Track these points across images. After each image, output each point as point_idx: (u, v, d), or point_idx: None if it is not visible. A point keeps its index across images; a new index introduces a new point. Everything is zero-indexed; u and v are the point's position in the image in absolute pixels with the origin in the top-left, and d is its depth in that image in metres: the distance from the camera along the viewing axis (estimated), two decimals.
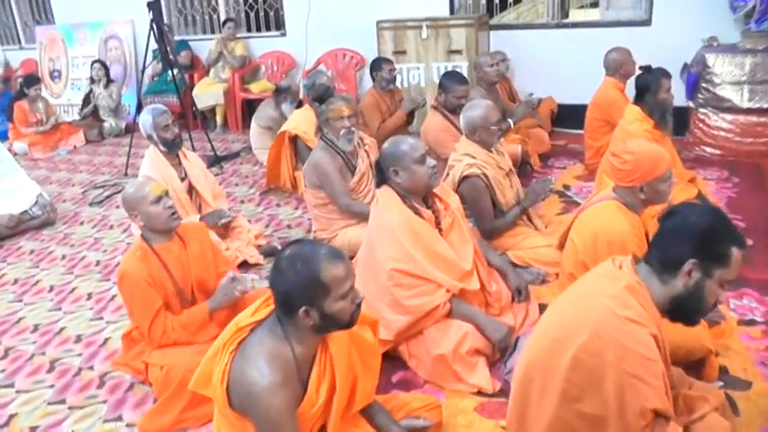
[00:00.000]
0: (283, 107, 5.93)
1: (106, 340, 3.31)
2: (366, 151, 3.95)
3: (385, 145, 2.85)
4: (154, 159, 3.86)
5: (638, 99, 4.15)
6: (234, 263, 3.57)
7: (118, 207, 5.35)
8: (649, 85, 4.09)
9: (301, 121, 4.93)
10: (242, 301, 2.75)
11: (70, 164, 6.98)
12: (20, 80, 7.90)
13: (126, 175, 6.23)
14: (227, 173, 6.02)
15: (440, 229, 2.89)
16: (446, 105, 4.53)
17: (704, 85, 5.54)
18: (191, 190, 3.97)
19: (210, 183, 4.08)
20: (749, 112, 5.39)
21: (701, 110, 5.59)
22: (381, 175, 2.86)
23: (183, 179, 3.93)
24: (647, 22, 6.04)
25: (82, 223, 5.07)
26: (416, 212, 2.82)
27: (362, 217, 3.75)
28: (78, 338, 3.35)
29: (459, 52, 6.14)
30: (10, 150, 7.29)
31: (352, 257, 3.86)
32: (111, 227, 4.92)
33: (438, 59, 6.21)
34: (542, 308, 3.15)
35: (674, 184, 2.81)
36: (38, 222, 4.99)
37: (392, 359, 2.82)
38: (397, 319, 2.73)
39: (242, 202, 5.20)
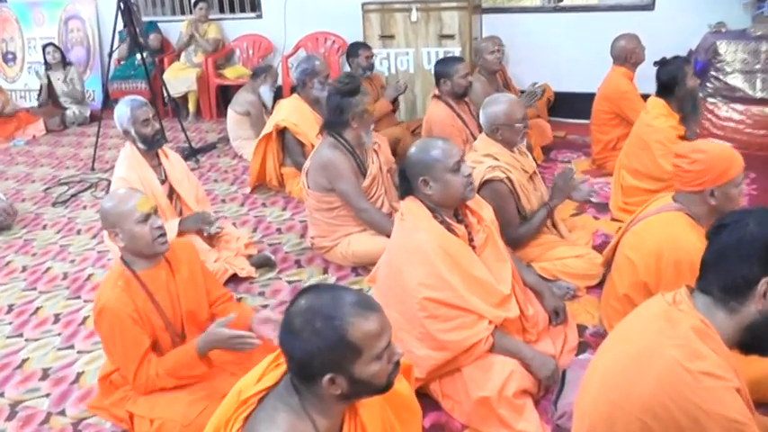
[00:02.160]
0: (262, 90, 5.50)
1: (79, 376, 2.83)
2: (375, 151, 3.52)
3: (412, 149, 2.43)
4: (131, 159, 3.36)
5: (665, 94, 3.79)
6: (224, 285, 3.08)
7: (85, 207, 4.84)
8: (675, 75, 3.76)
9: (291, 111, 4.46)
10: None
11: (29, 156, 6.38)
12: None
13: (93, 169, 5.69)
14: (204, 167, 5.52)
15: (473, 247, 2.49)
16: (454, 92, 4.13)
17: (714, 73, 5.20)
18: (171, 194, 3.49)
19: (193, 185, 3.61)
20: (762, 102, 5.08)
21: (710, 99, 5.25)
22: (406, 185, 2.44)
23: (163, 181, 3.45)
24: (649, 7, 5.73)
25: (44, 227, 4.54)
26: (449, 229, 2.41)
27: (377, 226, 3.35)
28: (45, 374, 2.86)
29: (451, 37, 5.73)
30: None
31: (355, 267, 3.56)
32: (79, 231, 4.40)
33: (429, 44, 5.79)
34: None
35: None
36: None
37: (422, 397, 2.40)
38: (430, 355, 2.33)
39: (223, 201, 4.72)
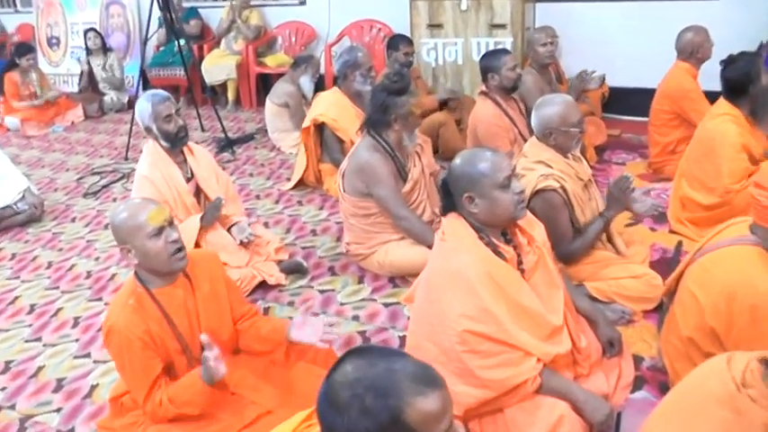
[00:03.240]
0: (302, 80, 5.26)
1: (93, 389, 2.66)
2: (418, 153, 3.26)
3: (456, 161, 2.15)
4: (154, 156, 3.16)
5: (733, 95, 3.41)
6: (252, 292, 2.84)
7: (115, 200, 4.70)
8: (746, 72, 3.35)
9: (330, 105, 4.21)
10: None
11: (66, 143, 6.30)
12: (12, 48, 7.18)
13: (126, 159, 5.55)
14: (240, 159, 5.32)
15: (521, 270, 2.21)
16: (502, 86, 3.84)
17: None
18: (198, 193, 3.29)
19: (223, 183, 3.39)
20: None
21: None
22: (449, 201, 2.17)
23: (188, 179, 3.24)
24: None
25: (73, 220, 4.41)
26: (495, 251, 2.14)
27: (416, 235, 3.10)
28: (59, 385, 2.70)
29: (502, 26, 5.38)
30: (1, 126, 6.68)
31: (393, 278, 3.30)
32: (107, 226, 4.24)
33: (479, 34, 5.46)
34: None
35: None
36: (22, 218, 4.33)
37: None
38: (468, 392, 2.06)
39: (257, 197, 4.50)
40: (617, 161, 4.77)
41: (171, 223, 2.07)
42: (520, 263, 2.22)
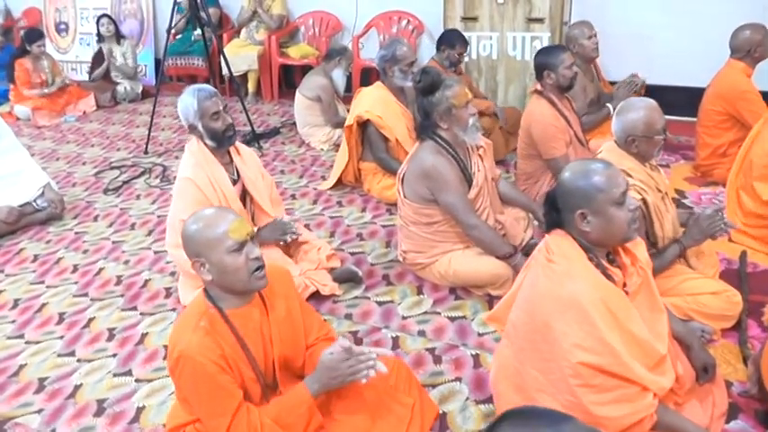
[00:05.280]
0: (334, 73, 5.02)
1: (139, 412, 2.42)
2: (481, 156, 3.02)
3: (566, 174, 1.92)
4: (198, 157, 2.91)
5: None
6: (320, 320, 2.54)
7: (138, 197, 4.44)
8: None
9: (374, 102, 3.96)
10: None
11: (80, 134, 6.02)
12: (21, 34, 6.88)
13: (146, 153, 5.29)
14: (269, 155, 5.06)
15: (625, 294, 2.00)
16: (558, 84, 3.61)
17: None
18: (244, 195, 3.05)
19: (268, 185, 3.16)
20: None
21: None
22: (555, 217, 1.95)
23: (235, 181, 3.00)
24: None
25: (96, 218, 4.15)
26: (605, 274, 1.92)
27: (488, 246, 2.89)
28: (100, 408, 2.45)
29: (540, 21, 5.16)
30: (11, 115, 6.40)
31: (454, 288, 3.05)
32: (133, 226, 4.00)
33: (515, 28, 5.23)
34: None
35: None
36: (43, 216, 4.08)
37: None
38: None
39: (293, 197, 4.25)
40: (660, 163, 4.53)
41: (252, 238, 1.85)
42: (624, 285, 2.01)
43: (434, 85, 2.87)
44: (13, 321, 3.06)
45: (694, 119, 4.29)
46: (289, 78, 6.73)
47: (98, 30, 6.86)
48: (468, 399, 2.35)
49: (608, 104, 4.51)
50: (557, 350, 1.84)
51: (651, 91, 5.39)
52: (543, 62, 3.68)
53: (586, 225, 1.88)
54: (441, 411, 2.25)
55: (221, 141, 2.90)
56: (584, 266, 1.88)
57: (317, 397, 1.88)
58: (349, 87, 5.51)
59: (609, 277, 1.93)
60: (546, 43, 5.00)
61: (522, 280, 2.09)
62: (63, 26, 8.02)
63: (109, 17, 6.90)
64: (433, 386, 2.40)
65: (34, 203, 4.05)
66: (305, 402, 1.86)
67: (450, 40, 4.62)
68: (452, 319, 2.84)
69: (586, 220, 1.87)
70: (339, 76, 4.99)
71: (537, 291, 1.92)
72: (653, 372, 1.93)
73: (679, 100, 4.85)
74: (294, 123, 5.40)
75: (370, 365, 1.83)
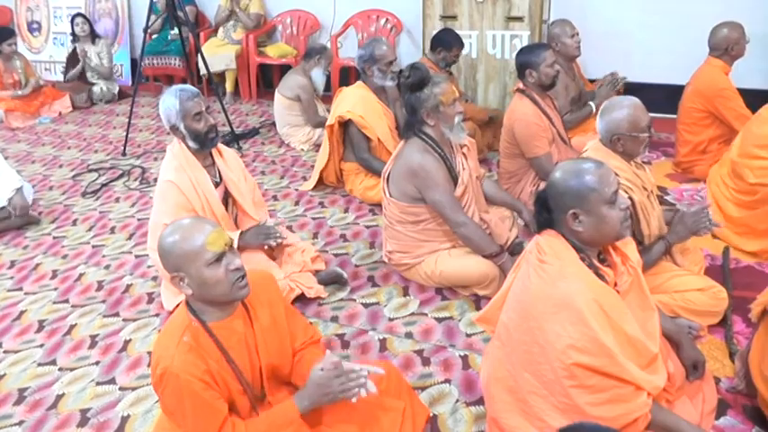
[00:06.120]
0: (314, 72, 4.98)
1: (124, 421, 2.37)
2: (465, 155, 3.01)
3: (557, 174, 1.91)
4: (180, 159, 2.86)
5: None
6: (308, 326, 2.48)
7: (118, 200, 4.37)
8: None
9: (356, 101, 3.93)
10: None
11: (55, 136, 5.91)
12: None
13: (124, 154, 5.20)
14: (248, 155, 5.00)
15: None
16: (541, 83, 3.60)
17: None
18: (227, 198, 3.01)
19: (251, 187, 3.11)
20: None
21: None
22: (546, 217, 1.94)
23: (217, 184, 2.95)
24: None
25: (75, 222, 4.07)
26: (597, 273, 1.92)
27: (476, 243, 2.87)
28: (84, 418, 2.40)
29: (520, 19, 5.15)
30: None
31: (440, 289, 3.00)
32: (113, 230, 3.93)
33: (494, 27, 5.22)
34: None
35: None
36: (18, 222, 3.99)
37: None
38: None
39: (274, 198, 4.21)
40: (641, 160, 4.57)
41: (231, 247, 1.80)
42: (615, 284, 2.01)
43: (423, 81, 2.85)
44: None
45: (674, 116, 4.33)
46: (267, 78, 6.67)
47: (72, 29, 6.73)
48: (458, 401, 2.34)
49: (590, 103, 4.53)
50: (550, 351, 1.84)
51: (631, 89, 5.45)
52: (525, 60, 3.67)
53: (578, 225, 1.87)
54: (431, 414, 2.23)
55: (204, 143, 2.86)
56: (577, 266, 1.87)
57: (306, 414, 1.82)
58: (328, 86, 5.47)
59: (601, 277, 1.92)
60: (526, 42, 5.00)
61: (513, 280, 2.08)
62: (36, 25, 7.87)
63: (84, 16, 6.77)
64: (423, 388, 2.39)
65: (9, 208, 3.94)
66: (293, 422, 1.80)
67: (448, 42, 4.58)
68: (440, 320, 2.83)
69: (578, 219, 1.86)
70: (318, 75, 4.95)
71: (529, 291, 1.91)
72: (646, 371, 1.93)
73: (658, 97, 4.86)
74: (273, 123, 5.35)
75: (360, 383, 1.79)
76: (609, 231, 1.89)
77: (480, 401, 2.29)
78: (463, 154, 3.02)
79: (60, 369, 2.69)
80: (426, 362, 2.56)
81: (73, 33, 6.73)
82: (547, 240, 1.93)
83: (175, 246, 1.76)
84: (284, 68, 5.98)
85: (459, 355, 2.58)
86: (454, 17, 5.26)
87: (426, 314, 2.87)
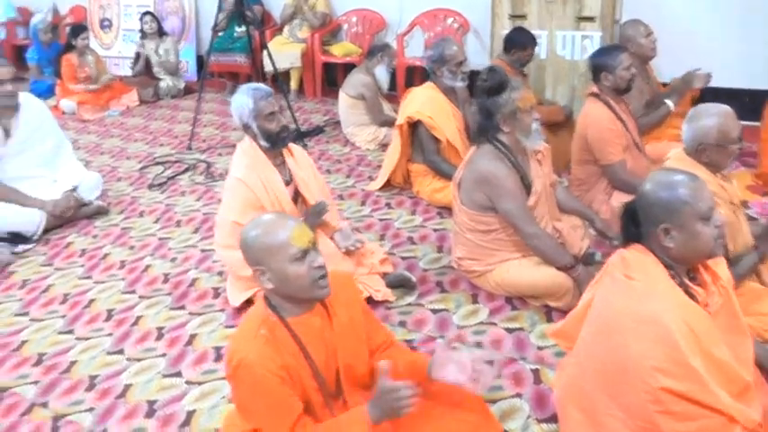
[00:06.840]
0: (377, 70, 4.97)
1: (190, 416, 2.37)
2: (539, 161, 2.92)
3: (649, 186, 1.82)
4: (251, 157, 2.87)
5: None
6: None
7: (183, 194, 4.43)
8: None
9: (425, 102, 3.89)
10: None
11: (123, 129, 6.05)
12: (67, 30, 6.95)
13: (189, 149, 5.28)
14: (314, 154, 5.00)
15: None
16: (616, 87, 3.48)
17: None
18: (296, 197, 3.00)
19: (320, 186, 3.10)
20: None
21: None
22: (634, 231, 1.85)
23: (287, 183, 2.95)
24: None
25: (141, 214, 4.15)
26: (687, 292, 1.82)
27: (549, 255, 2.79)
28: (150, 409, 2.41)
29: (591, 19, 5.01)
30: (57, 109, 6.46)
31: (510, 298, 2.90)
32: (179, 223, 3.98)
33: (564, 27, 5.08)
34: None
35: None
36: (90, 211, 4.08)
37: None
38: None
39: (340, 197, 4.19)
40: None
41: (314, 245, 1.78)
42: (705, 305, 1.90)
43: (502, 85, 2.77)
44: (63, 316, 3.05)
45: (756, 123, 4.13)
46: (331, 76, 6.68)
47: (141, 26, 6.91)
48: (529, 417, 2.26)
49: (666, 101, 4.30)
50: (632, 372, 1.74)
51: (706, 94, 5.25)
52: (600, 63, 3.55)
53: (669, 240, 1.78)
54: (504, 430, 2.16)
55: (275, 142, 2.86)
56: (667, 284, 1.78)
57: (378, 423, 1.74)
58: (393, 86, 5.45)
59: (691, 296, 1.83)
60: (597, 43, 4.85)
61: (592, 296, 2.00)
62: (107, 22, 8.10)
63: (152, 14, 6.96)
64: (493, 402, 2.31)
65: (78, 196, 4.03)
66: (361, 424, 1.74)
67: (522, 42, 4.48)
68: (510, 330, 2.74)
69: (669, 235, 1.77)
70: (382, 72, 4.93)
71: (613, 308, 1.83)
72: (738, 401, 1.82)
73: (738, 103, 4.67)
74: (338, 122, 5.35)
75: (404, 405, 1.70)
76: (701, 249, 1.79)
77: (552, 419, 2.21)
78: (537, 160, 2.93)
79: (128, 359, 2.72)
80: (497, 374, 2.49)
81: (141, 30, 6.89)
82: (634, 256, 1.84)
83: (258, 239, 1.76)
84: (349, 67, 5.98)
85: (531, 369, 2.49)
86: (523, 16, 5.15)
87: (496, 323, 2.79)
